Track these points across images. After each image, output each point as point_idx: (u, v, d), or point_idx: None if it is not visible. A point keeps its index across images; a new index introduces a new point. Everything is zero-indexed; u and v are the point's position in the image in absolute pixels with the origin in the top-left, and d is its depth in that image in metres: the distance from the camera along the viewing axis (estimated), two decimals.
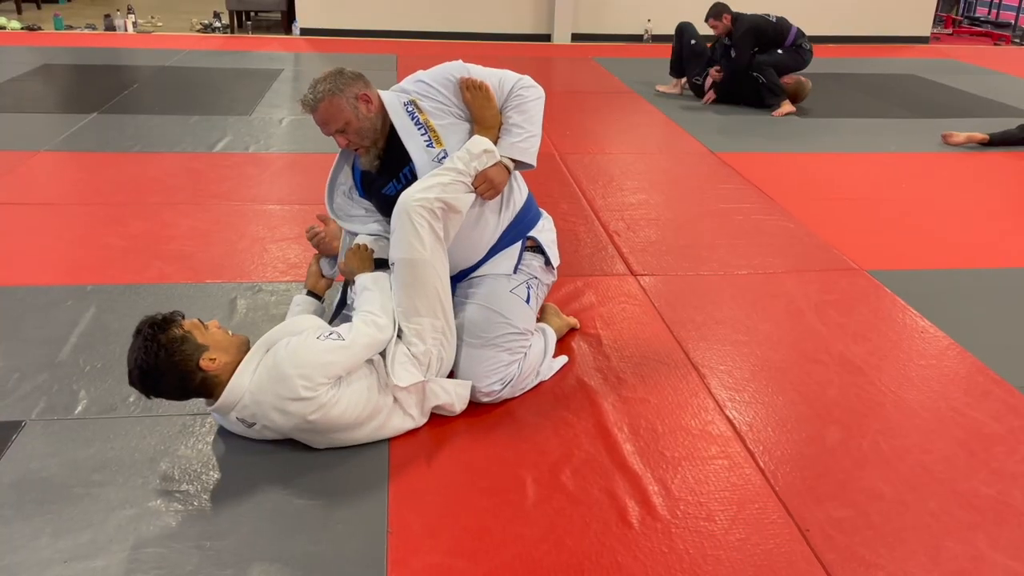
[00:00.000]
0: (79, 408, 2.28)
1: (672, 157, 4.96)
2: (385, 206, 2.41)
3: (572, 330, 2.79)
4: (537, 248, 2.51)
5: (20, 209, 3.73)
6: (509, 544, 1.85)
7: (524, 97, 2.38)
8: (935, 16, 9.81)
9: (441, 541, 1.86)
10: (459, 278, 2.44)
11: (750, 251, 3.50)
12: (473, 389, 2.30)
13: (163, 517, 1.90)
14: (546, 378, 2.49)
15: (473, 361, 2.31)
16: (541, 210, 2.62)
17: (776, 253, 3.49)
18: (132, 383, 1.97)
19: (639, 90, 6.64)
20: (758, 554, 1.84)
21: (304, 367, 1.96)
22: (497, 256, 2.44)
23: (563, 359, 2.60)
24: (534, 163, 2.39)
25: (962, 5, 11.33)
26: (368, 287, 2.26)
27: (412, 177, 2.31)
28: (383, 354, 2.15)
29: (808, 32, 6.14)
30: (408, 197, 2.19)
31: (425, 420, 2.25)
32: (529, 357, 2.41)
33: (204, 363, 1.96)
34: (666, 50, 8.67)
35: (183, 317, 2.03)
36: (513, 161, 2.35)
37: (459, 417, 2.30)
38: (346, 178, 2.54)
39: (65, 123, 5.09)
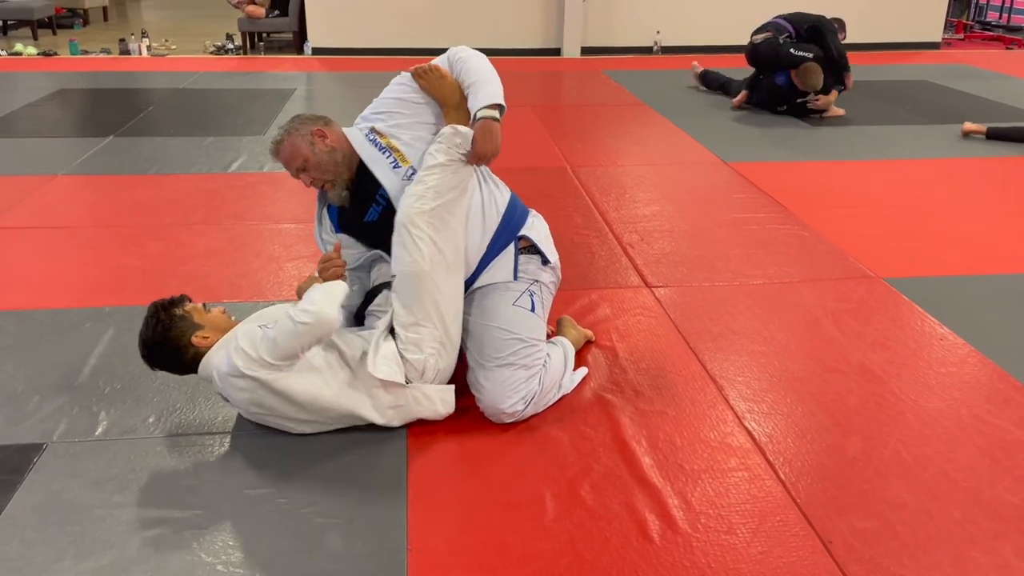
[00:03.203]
0: (99, 430, 2.29)
1: (684, 168, 4.96)
2: (371, 235, 2.44)
3: (588, 342, 2.79)
4: (532, 248, 2.45)
5: (38, 233, 3.77)
6: (530, 560, 1.85)
7: (464, 59, 2.38)
8: (946, 21, 9.78)
9: (461, 558, 1.85)
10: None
11: (765, 261, 3.49)
12: (496, 410, 2.30)
13: (184, 537, 1.90)
14: (568, 391, 2.48)
15: (492, 383, 2.29)
16: (529, 208, 2.56)
17: (791, 262, 3.47)
18: (141, 356, 2.21)
19: (650, 102, 6.64)
20: (780, 567, 1.83)
21: (244, 350, 2.09)
22: (493, 263, 2.38)
23: (583, 371, 2.59)
24: (504, 103, 2.32)
25: (973, 10, 11.28)
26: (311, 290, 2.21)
27: (388, 199, 2.34)
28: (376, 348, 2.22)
29: None
30: (405, 210, 2.24)
31: (399, 424, 2.27)
32: (549, 371, 2.40)
33: (196, 339, 2.18)
34: (676, 61, 8.67)
35: (189, 301, 2.26)
36: (493, 108, 2.30)
37: (477, 431, 2.30)
38: (325, 220, 2.56)
39: (81, 147, 5.15)
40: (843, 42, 6.14)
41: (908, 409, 2.42)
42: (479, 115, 2.28)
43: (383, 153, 2.37)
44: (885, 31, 9.40)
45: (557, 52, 9.22)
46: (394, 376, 2.20)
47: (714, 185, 4.57)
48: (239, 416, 2.35)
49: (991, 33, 10.72)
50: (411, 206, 2.23)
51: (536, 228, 2.50)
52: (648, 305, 3.09)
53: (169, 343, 2.18)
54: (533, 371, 2.34)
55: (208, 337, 2.20)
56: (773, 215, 4.03)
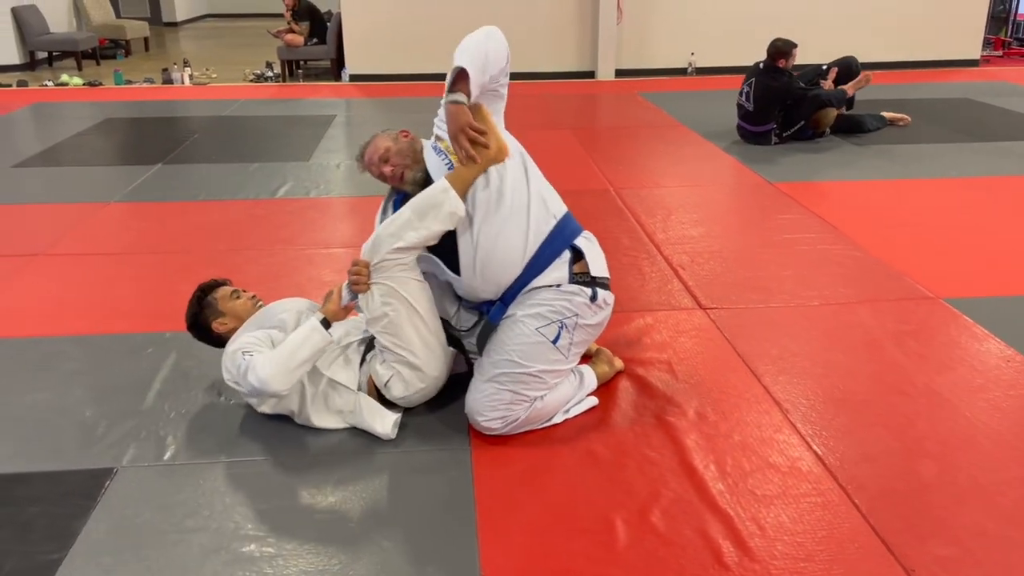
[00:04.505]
0: (168, 454, 2.31)
1: (729, 189, 4.94)
2: None
3: (618, 373, 2.72)
4: (584, 278, 2.35)
5: (95, 259, 3.84)
6: None
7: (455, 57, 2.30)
8: (984, 38, 9.68)
9: None
10: (509, 296, 2.38)
11: (819, 281, 3.45)
12: (472, 418, 2.36)
13: (256, 563, 1.91)
14: (570, 417, 2.46)
15: (474, 391, 2.36)
16: (583, 228, 2.50)
17: (846, 283, 3.43)
18: None
19: (688, 123, 6.63)
20: None
21: (228, 369, 2.38)
22: (547, 269, 2.34)
23: (592, 401, 2.53)
24: (464, 65, 2.25)
25: (1011, 26, 11.16)
26: (298, 334, 2.30)
27: None
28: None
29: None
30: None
31: (346, 426, 2.41)
32: (547, 401, 2.37)
33: (215, 326, 2.52)
34: (711, 82, 8.67)
35: (226, 284, 2.59)
36: (453, 91, 2.27)
37: (540, 454, 2.30)
38: (389, 210, 2.57)
39: (131, 175, 5.25)
40: (880, 61, 5.90)
41: (980, 433, 2.37)
42: (441, 102, 2.33)
43: (441, 157, 2.40)
44: (923, 49, 9.33)
45: (592, 75, 9.26)
46: (347, 379, 2.40)
47: (761, 206, 4.54)
48: (303, 439, 2.37)
49: None
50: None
51: (591, 248, 2.44)
52: (703, 327, 3.07)
53: (199, 326, 2.54)
54: (521, 398, 2.31)
55: (226, 324, 2.50)
56: (823, 235, 3.99)
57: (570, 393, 2.47)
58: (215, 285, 2.58)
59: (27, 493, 2.14)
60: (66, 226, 4.25)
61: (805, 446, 2.32)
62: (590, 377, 2.58)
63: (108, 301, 3.36)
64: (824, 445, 2.32)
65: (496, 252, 2.32)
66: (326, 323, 2.31)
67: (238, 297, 2.56)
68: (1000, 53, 10.50)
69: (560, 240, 2.38)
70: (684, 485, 2.16)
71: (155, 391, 2.64)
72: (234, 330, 2.49)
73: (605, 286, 2.41)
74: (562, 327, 2.31)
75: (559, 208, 2.44)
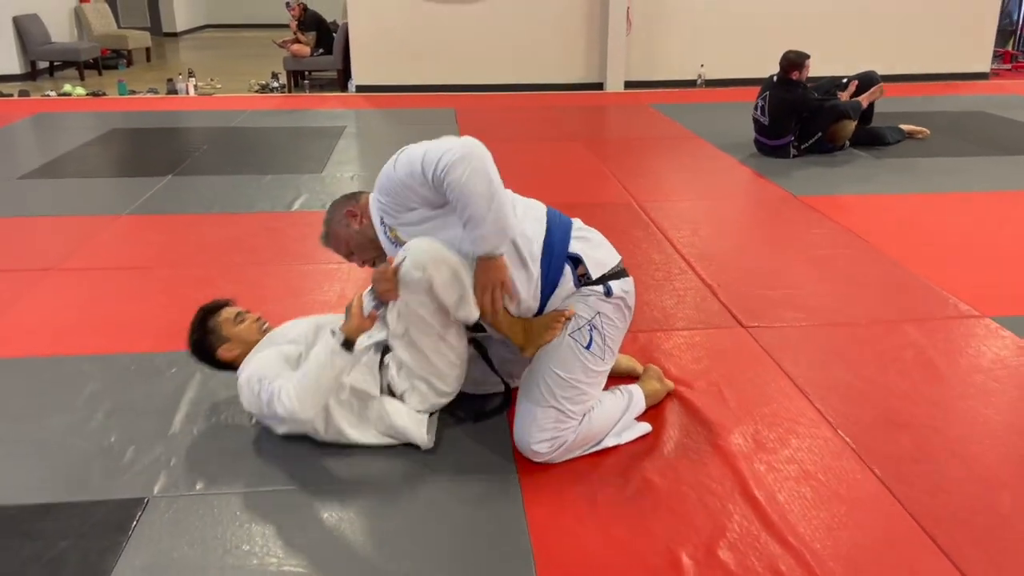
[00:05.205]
0: (200, 483, 2.19)
1: (754, 202, 4.85)
2: None
3: (668, 394, 2.61)
4: (589, 276, 2.23)
5: (110, 274, 3.71)
6: None
7: (453, 186, 2.05)
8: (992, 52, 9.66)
9: None
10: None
11: (861, 299, 3.35)
12: (521, 445, 2.26)
13: None
14: (621, 443, 2.34)
15: (520, 417, 2.27)
16: (570, 221, 2.32)
17: (889, 301, 3.34)
18: None
19: (704, 135, 6.55)
20: None
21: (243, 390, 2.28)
22: (555, 293, 2.23)
23: (645, 427, 2.42)
24: (495, 250, 2.12)
25: (1017, 40, 11.15)
26: (319, 355, 2.17)
27: None
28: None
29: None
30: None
31: (379, 440, 2.33)
32: (594, 421, 2.27)
33: (222, 352, 2.39)
34: (722, 94, 8.62)
35: (230, 306, 2.45)
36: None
37: (592, 483, 2.18)
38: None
39: (142, 186, 5.13)
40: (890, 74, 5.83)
41: None
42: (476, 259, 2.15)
43: (395, 245, 2.27)
44: (934, 62, 9.29)
45: (600, 86, 9.18)
46: (369, 387, 2.29)
47: (790, 220, 4.44)
48: (341, 466, 2.25)
49: None
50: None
51: (586, 248, 2.26)
52: (747, 346, 2.96)
53: (203, 353, 2.42)
54: (567, 416, 2.21)
55: (232, 350, 2.38)
56: (858, 251, 3.89)
57: (617, 411, 2.36)
58: (217, 307, 2.44)
59: (55, 526, 2.01)
60: (77, 239, 4.13)
61: (870, 474, 2.21)
62: (638, 396, 2.47)
63: (126, 318, 3.24)
64: (889, 474, 2.21)
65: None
66: (348, 343, 2.17)
67: (242, 320, 2.43)
68: (1009, 66, 10.48)
69: (556, 258, 2.23)
70: (749, 517, 2.05)
71: (182, 414, 2.52)
72: (242, 355, 2.37)
73: (616, 275, 2.28)
74: (592, 329, 2.23)
75: (537, 226, 2.24)
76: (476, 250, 2.12)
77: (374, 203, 2.30)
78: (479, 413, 2.47)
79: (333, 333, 2.17)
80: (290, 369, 2.24)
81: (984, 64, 9.50)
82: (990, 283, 3.50)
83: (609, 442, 2.33)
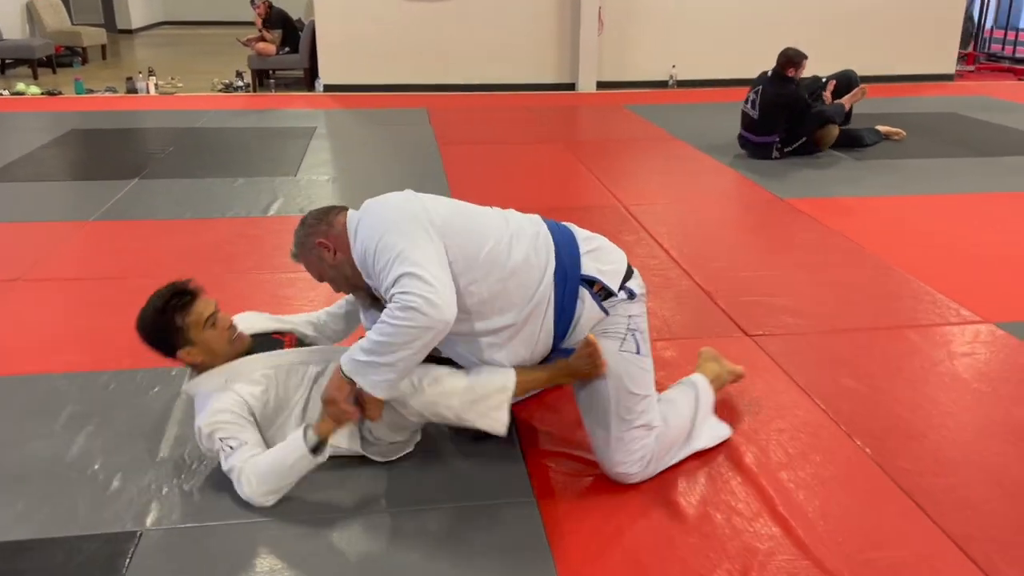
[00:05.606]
0: (195, 514, 2.04)
1: (743, 206, 4.79)
2: None
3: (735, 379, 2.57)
4: (609, 290, 2.13)
5: (82, 284, 3.52)
6: None
7: (389, 311, 1.87)
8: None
9: None
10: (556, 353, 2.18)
11: (863, 305, 3.30)
12: (612, 472, 2.16)
13: None
14: (707, 446, 2.27)
15: (601, 446, 2.15)
16: (566, 229, 2.21)
17: (887, 306, 3.29)
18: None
19: (682, 136, 6.51)
20: None
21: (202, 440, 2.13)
22: (579, 324, 2.13)
23: (724, 432, 2.35)
24: (359, 383, 1.93)
25: (976, 42, 11.34)
26: (288, 453, 2.03)
27: None
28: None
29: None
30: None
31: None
32: (669, 423, 2.20)
33: (182, 355, 2.17)
34: (694, 95, 8.61)
35: (199, 294, 2.17)
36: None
37: (614, 506, 2.08)
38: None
39: (107, 190, 4.91)
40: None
41: None
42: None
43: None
44: (899, 63, 9.38)
45: (572, 87, 9.11)
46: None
47: (780, 224, 4.40)
48: (346, 492, 2.12)
49: (1002, 65, 10.77)
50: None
51: (598, 268, 2.15)
52: (754, 355, 2.89)
53: (158, 342, 2.18)
54: (647, 428, 2.14)
55: (193, 355, 2.17)
56: (851, 256, 3.85)
57: (688, 407, 2.28)
58: (190, 299, 2.15)
59: (41, 565, 1.85)
60: (45, 247, 3.91)
61: (898, 490, 2.14)
62: (703, 384, 2.38)
63: (101, 331, 3.05)
64: (918, 489, 2.15)
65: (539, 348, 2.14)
66: (320, 445, 2.00)
67: (214, 325, 2.16)
68: (972, 68, 10.64)
69: (570, 282, 2.10)
70: (779, 538, 1.97)
71: (171, 437, 2.36)
72: (203, 364, 2.17)
73: (628, 276, 2.20)
74: (633, 334, 2.15)
75: (545, 257, 2.09)
76: (348, 369, 1.93)
77: (356, 243, 2.05)
78: (477, 434, 2.30)
79: (306, 432, 2.00)
80: (251, 426, 2.10)
81: (949, 66, 9.62)
82: (989, 287, 3.48)
83: (697, 445, 2.27)
